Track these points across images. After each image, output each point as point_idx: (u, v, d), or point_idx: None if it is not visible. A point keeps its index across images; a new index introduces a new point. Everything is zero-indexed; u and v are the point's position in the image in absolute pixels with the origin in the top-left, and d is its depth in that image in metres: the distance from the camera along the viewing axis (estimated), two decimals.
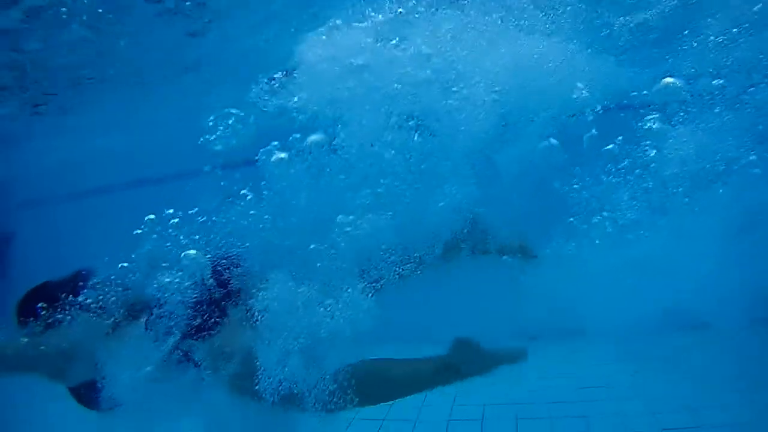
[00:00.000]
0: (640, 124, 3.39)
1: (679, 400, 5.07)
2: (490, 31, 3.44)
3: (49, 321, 2.78)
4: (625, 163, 3.46)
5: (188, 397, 2.86)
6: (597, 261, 3.72)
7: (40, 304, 2.80)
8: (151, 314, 2.79)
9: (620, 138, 3.47)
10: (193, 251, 2.75)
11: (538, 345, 6.02)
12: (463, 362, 3.11)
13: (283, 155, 2.85)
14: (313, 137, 2.87)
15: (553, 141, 3.36)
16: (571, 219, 3.51)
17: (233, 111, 3.00)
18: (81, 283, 2.89)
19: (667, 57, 3.57)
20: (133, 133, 7.92)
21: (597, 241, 3.66)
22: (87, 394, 2.89)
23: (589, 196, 3.53)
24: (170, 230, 2.82)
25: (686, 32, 3.51)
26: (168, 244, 2.86)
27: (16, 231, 10.82)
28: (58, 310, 2.79)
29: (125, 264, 2.83)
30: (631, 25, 3.98)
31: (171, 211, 2.82)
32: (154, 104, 6.47)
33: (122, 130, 7.75)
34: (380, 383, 2.97)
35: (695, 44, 3.47)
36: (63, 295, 2.82)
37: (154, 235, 2.88)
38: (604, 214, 3.63)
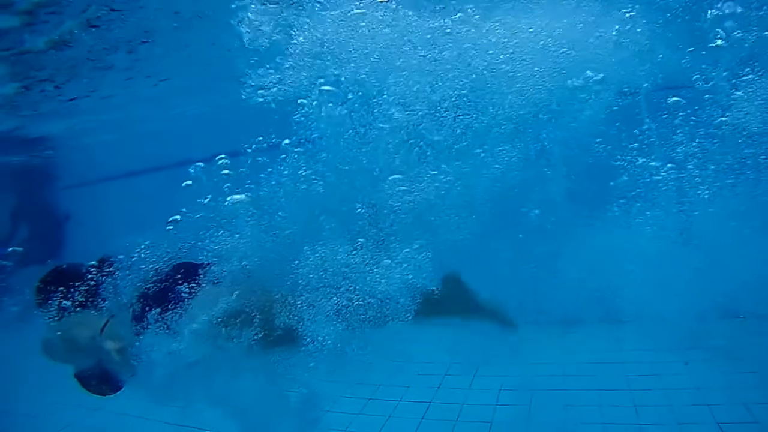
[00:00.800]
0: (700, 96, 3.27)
1: (734, 393, 4.86)
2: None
3: (62, 304, 2.84)
4: (687, 135, 3.36)
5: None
6: (649, 244, 3.63)
7: (54, 288, 2.87)
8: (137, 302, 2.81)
9: (680, 103, 3.36)
10: (240, 196, 2.73)
11: (585, 331, 5.96)
12: (444, 296, 3.14)
13: (330, 87, 2.86)
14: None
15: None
16: (626, 177, 3.40)
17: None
18: (100, 268, 2.93)
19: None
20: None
21: (651, 223, 3.58)
22: (96, 380, 2.94)
23: (643, 172, 3.45)
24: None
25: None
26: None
27: (69, 213, 11.21)
28: (72, 293, 2.85)
29: (177, 218, 2.84)
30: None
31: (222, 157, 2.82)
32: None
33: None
34: None
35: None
36: (78, 280, 2.88)
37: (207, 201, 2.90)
38: (658, 193, 3.54)
